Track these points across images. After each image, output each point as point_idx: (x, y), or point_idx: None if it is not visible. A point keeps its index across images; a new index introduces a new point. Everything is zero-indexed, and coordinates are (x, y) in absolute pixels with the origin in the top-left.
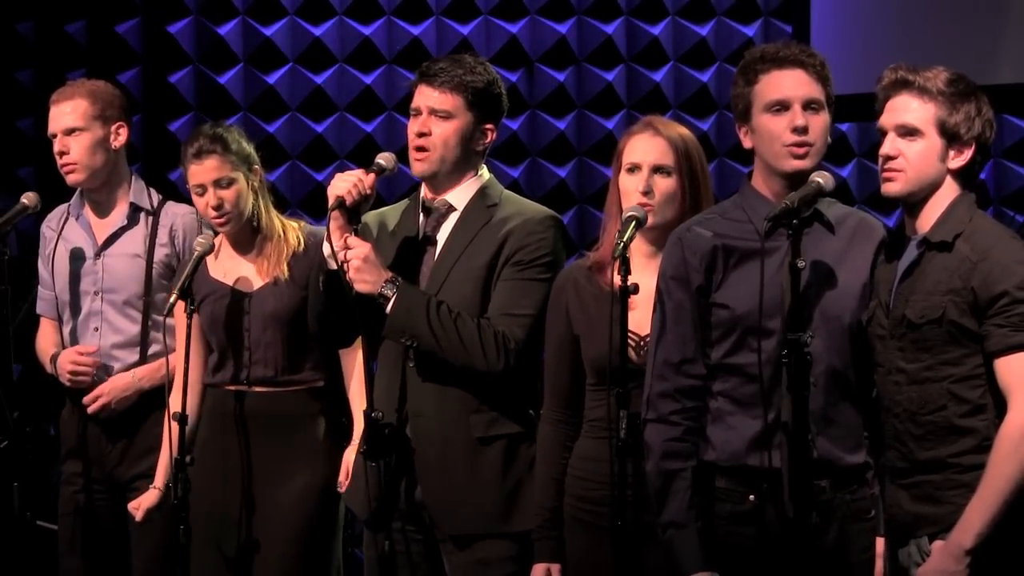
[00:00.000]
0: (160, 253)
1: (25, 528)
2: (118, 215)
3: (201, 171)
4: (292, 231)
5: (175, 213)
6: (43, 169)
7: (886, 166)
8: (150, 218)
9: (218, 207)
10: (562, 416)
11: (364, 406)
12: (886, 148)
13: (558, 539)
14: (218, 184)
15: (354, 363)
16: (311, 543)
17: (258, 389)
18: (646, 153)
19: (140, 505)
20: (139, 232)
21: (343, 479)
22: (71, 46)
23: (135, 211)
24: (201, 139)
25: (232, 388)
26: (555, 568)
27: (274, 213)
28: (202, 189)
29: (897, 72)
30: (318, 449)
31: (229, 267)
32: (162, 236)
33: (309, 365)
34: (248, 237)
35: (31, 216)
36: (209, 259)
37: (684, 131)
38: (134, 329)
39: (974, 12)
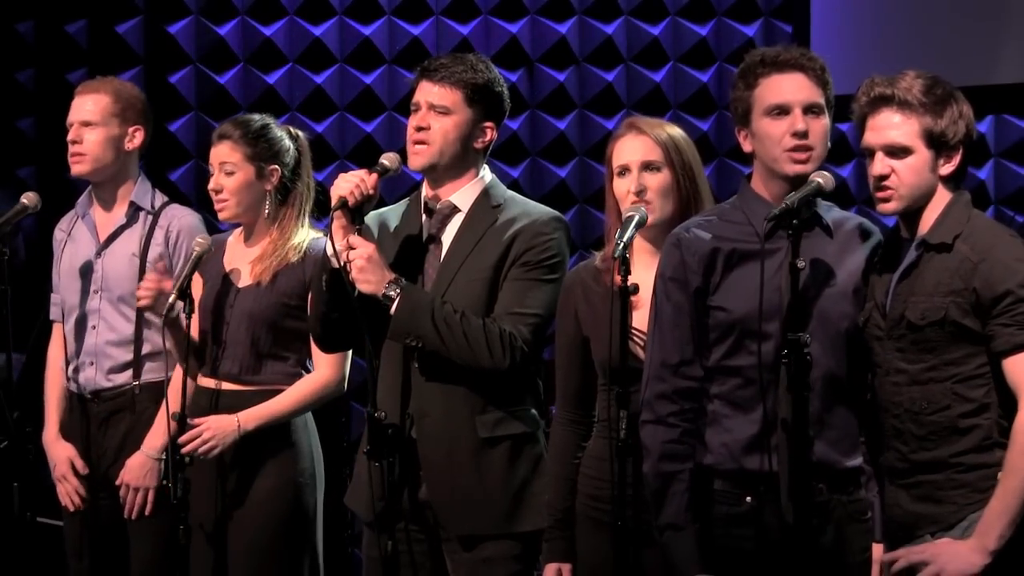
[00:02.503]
0: (154, 253)
1: (25, 528)
2: (119, 214)
3: (214, 152)
4: (300, 245)
5: (174, 215)
6: (43, 169)
7: (880, 185)
8: (149, 218)
9: (217, 191)
10: (574, 416)
11: (286, 398)
12: (877, 168)
13: (569, 539)
14: (223, 169)
15: (316, 370)
16: (278, 542)
17: (227, 386)
18: (632, 153)
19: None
20: (137, 232)
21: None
22: (71, 46)
23: (135, 210)
24: (227, 123)
25: (209, 384)
26: (566, 568)
27: (292, 222)
28: (212, 169)
29: (873, 88)
30: (288, 448)
31: (235, 257)
32: (158, 236)
33: (278, 369)
34: (257, 233)
35: (31, 216)
36: (230, 242)
37: (671, 127)
38: (129, 328)
39: (974, 12)
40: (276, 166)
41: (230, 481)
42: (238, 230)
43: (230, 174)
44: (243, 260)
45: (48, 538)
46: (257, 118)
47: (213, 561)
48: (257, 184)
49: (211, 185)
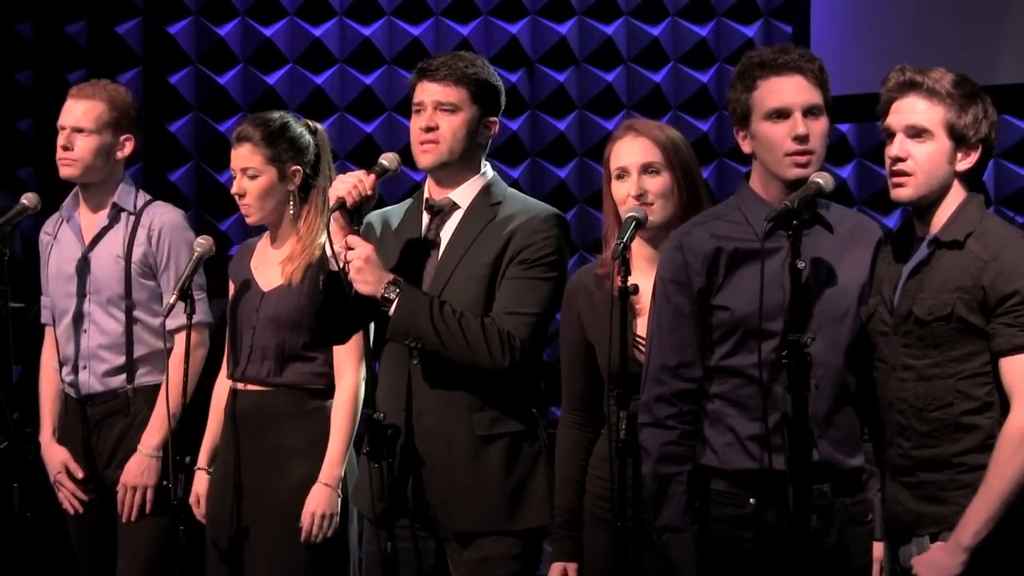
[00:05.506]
0: (137, 253)
1: (25, 528)
2: (103, 216)
3: (234, 156)
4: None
5: (155, 213)
6: (43, 169)
7: (895, 168)
8: (131, 218)
9: (240, 195)
10: (580, 419)
11: (340, 434)
12: (895, 150)
13: (576, 539)
14: (245, 173)
15: (341, 380)
16: (301, 539)
17: (251, 387)
18: (631, 155)
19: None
20: (119, 232)
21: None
22: (71, 46)
23: (117, 211)
24: (246, 123)
25: (235, 385)
26: (572, 567)
27: (317, 219)
28: (233, 172)
29: (904, 73)
30: (315, 445)
31: (263, 260)
32: (140, 236)
33: (306, 368)
34: (283, 234)
35: (31, 216)
36: (260, 245)
37: (668, 129)
38: (119, 330)
39: (974, 12)
40: (298, 166)
41: (256, 479)
42: (267, 233)
43: (253, 178)
44: (272, 262)
45: (48, 538)
46: (276, 116)
47: (232, 557)
48: (280, 186)
49: (234, 189)
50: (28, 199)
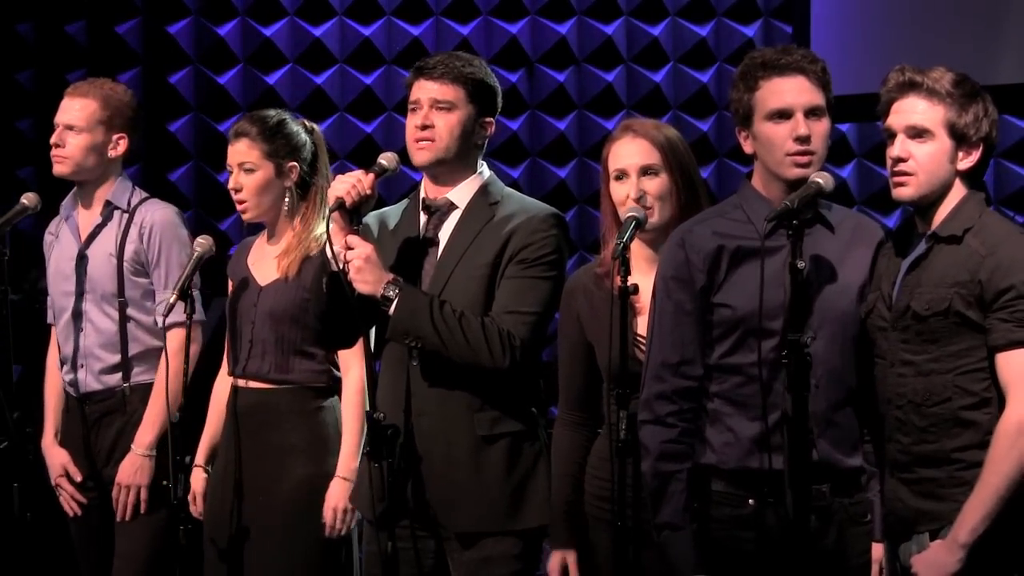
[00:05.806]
0: (129, 250)
1: (25, 528)
2: (96, 214)
3: (231, 151)
4: (320, 237)
5: (148, 210)
6: (43, 169)
7: (896, 168)
8: (124, 216)
9: (236, 190)
10: (578, 419)
11: (352, 428)
12: (896, 150)
13: (572, 529)
14: (242, 168)
15: (347, 374)
16: (302, 538)
17: (253, 384)
18: (630, 156)
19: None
20: (113, 231)
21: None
22: (71, 46)
23: (111, 210)
24: (244, 120)
25: (236, 382)
26: (570, 555)
27: (313, 216)
28: (230, 168)
29: (904, 74)
30: (316, 444)
31: (260, 256)
32: (132, 234)
33: (307, 366)
34: (280, 231)
35: (31, 217)
36: (257, 242)
37: (666, 128)
38: (113, 328)
39: (974, 12)
40: (295, 162)
41: (256, 477)
42: (264, 231)
43: (250, 172)
44: (268, 257)
45: (48, 538)
46: (273, 113)
47: (231, 555)
48: (276, 182)
49: (231, 184)
50: (28, 199)
